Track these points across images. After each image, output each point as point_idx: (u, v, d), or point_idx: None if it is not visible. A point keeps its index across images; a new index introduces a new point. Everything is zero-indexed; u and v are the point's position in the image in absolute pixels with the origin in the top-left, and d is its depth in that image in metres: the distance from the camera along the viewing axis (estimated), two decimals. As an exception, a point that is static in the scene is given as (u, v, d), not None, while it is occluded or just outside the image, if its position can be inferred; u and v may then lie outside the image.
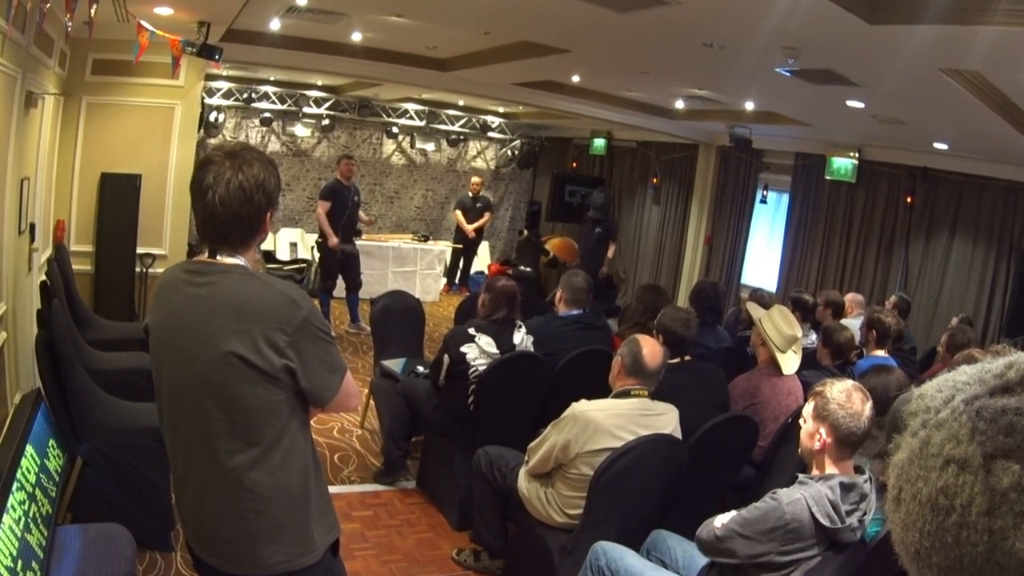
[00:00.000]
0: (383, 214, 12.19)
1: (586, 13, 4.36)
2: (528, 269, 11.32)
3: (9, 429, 2.88)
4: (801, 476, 2.64)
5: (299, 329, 1.87)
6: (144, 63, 5.37)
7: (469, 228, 11.17)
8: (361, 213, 8.56)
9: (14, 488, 2.53)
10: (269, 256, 10.54)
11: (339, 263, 8.11)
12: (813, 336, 5.45)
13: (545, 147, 13.51)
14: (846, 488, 2.51)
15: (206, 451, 1.90)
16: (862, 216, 8.21)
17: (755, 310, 4.62)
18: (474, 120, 12.61)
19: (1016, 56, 3.60)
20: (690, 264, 10.62)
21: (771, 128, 7.98)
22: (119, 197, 5.87)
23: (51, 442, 3.18)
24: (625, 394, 3.42)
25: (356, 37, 6.36)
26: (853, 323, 5.65)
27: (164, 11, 5.18)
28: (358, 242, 8.57)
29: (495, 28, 5.52)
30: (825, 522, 2.45)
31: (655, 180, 11.22)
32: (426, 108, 12.03)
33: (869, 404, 2.58)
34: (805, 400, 4.20)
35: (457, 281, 11.60)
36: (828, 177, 8.33)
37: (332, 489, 2.11)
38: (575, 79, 7.49)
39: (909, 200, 7.60)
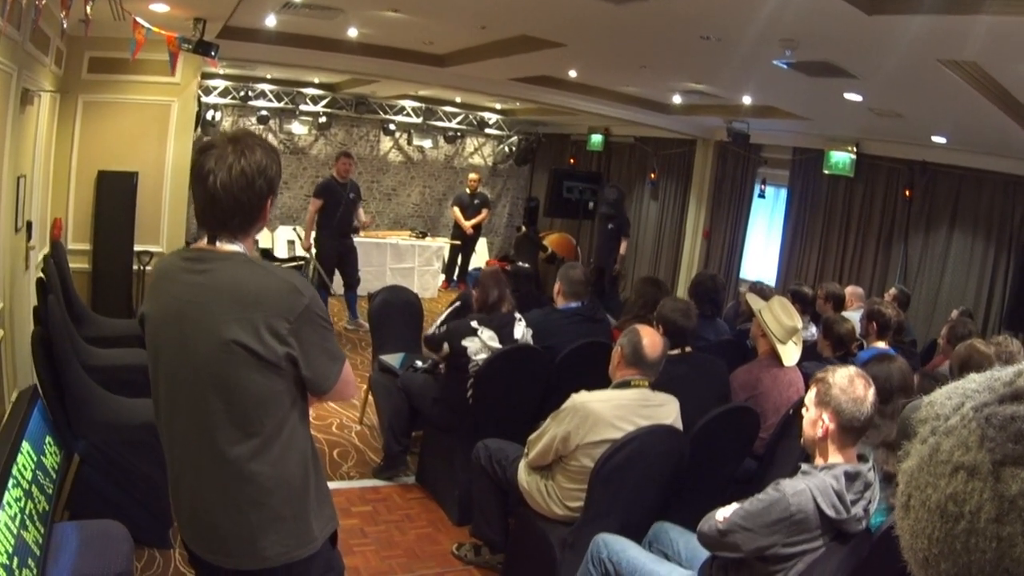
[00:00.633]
0: (381, 211, 12.19)
1: (583, 5, 4.35)
2: (526, 265, 11.29)
3: (5, 426, 2.87)
4: (804, 466, 2.60)
5: (301, 317, 1.85)
6: (140, 60, 5.36)
7: (467, 224, 11.15)
8: (360, 212, 8.55)
9: (10, 485, 2.51)
10: (267, 254, 10.51)
11: (335, 260, 8.10)
12: (813, 328, 5.44)
13: (543, 143, 13.50)
14: (850, 477, 2.47)
15: (205, 442, 1.87)
16: (861, 210, 8.20)
17: (755, 301, 4.60)
18: (471, 116, 12.60)
19: (1013, 46, 3.60)
20: (688, 258, 10.62)
21: (769, 123, 7.97)
22: (116, 195, 5.87)
23: (48, 439, 3.16)
24: (625, 384, 3.40)
25: (352, 33, 6.35)
26: (853, 316, 5.65)
27: (160, 8, 5.16)
28: (356, 239, 8.56)
29: (492, 21, 5.51)
30: (831, 513, 2.42)
31: (653, 175, 11.21)
32: (423, 105, 12.02)
33: (872, 390, 2.54)
34: (807, 389, 4.23)
35: (455, 277, 11.58)
36: (826, 171, 8.31)
37: (331, 485, 2.09)
38: (572, 74, 7.49)
39: (908, 194, 7.59)
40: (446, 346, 4.43)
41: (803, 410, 2.66)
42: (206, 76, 8.96)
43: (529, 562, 3.74)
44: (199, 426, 1.88)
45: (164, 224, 6.29)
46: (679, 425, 3.47)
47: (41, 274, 4.40)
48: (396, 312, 5.82)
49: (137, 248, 6.08)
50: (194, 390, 1.86)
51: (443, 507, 4.60)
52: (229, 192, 1.82)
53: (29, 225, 4.51)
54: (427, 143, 12.47)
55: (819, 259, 8.66)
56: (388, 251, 10.38)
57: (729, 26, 4.40)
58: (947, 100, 5.03)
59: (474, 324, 4.39)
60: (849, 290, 6.52)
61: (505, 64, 6.76)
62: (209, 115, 10.08)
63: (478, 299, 4.57)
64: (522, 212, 13.35)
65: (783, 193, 9.31)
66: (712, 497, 3.92)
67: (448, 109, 12.29)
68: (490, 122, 12.84)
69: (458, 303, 5.09)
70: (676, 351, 4.02)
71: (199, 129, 9.40)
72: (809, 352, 4.68)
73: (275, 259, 10.54)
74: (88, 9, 3.88)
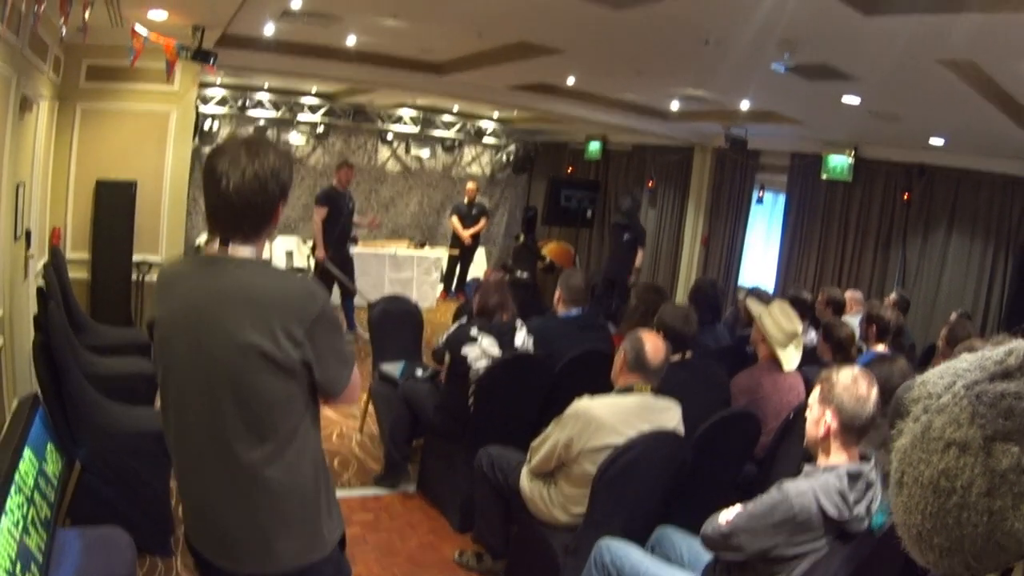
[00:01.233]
0: (379, 221, 12.17)
1: (581, 11, 4.36)
2: (525, 274, 11.29)
3: (7, 433, 2.84)
4: (807, 466, 2.60)
5: (316, 321, 1.86)
6: (139, 68, 5.37)
7: (465, 234, 11.16)
8: (359, 217, 8.53)
9: (12, 491, 2.50)
10: (265, 265, 10.49)
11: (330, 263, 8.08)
12: (812, 333, 5.45)
13: (540, 152, 13.51)
14: (853, 477, 2.48)
15: (218, 447, 1.86)
16: (859, 214, 8.22)
17: (755, 306, 4.60)
18: (469, 126, 12.61)
19: (1010, 44, 3.61)
20: (687, 265, 10.64)
21: (767, 128, 7.99)
22: (114, 204, 5.85)
23: (49, 446, 3.14)
24: (628, 390, 3.40)
25: (351, 41, 6.36)
26: (853, 320, 5.65)
27: (158, 15, 5.18)
28: (354, 249, 8.54)
29: (489, 28, 5.51)
30: (834, 513, 2.42)
31: (651, 183, 11.22)
32: (421, 114, 12.03)
33: (875, 390, 2.54)
34: (808, 391, 4.21)
35: (454, 288, 11.57)
36: (824, 176, 8.33)
37: None
38: (570, 81, 7.50)
39: (906, 197, 7.60)
40: (447, 356, 4.44)
41: (807, 410, 2.66)
42: (203, 85, 8.97)
43: (532, 568, 3.75)
44: (212, 430, 1.87)
45: (163, 234, 6.27)
46: (681, 430, 3.47)
47: (41, 283, 4.39)
48: (396, 321, 5.82)
49: (136, 258, 6.06)
50: (208, 394, 1.85)
51: (445, 514, 4.59)
52: (242, 195, 1.82)
53: (28, 234, 4.50)
54: (425, 153, 12.48)
55: (818, 263, 8.67)
56: (387, 261, 10.37)
57: (727, 30, 4.41)
58: (945, 100, 5.04)
59: (473, 332, 4.40)
60: (848, 294, 6.53)
61: (503, 71, 6.77)
62: (207, 125, 10.08)
63: (478, 304, 4.58)
64: (520, 221, 13.33)
65: (781, 198, 9.33)
66: (714, 501, 3.93)
67: (446, 118, 12.30)
68: (487, 131, 12.85)
69: (464, 318, 5.11)
70: (676, 357, 4.02)
71: (197, 139, 9.40)
72: (809, 357, 4.69)
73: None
74: (86, 15, 3.89)
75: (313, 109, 11.28)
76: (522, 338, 4.51)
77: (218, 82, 9.79)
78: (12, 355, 4.15)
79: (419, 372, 5.10)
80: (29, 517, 2.57)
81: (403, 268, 10.53)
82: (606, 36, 5.07)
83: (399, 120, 12.02)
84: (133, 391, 4.35)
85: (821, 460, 2.59)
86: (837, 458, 2.54)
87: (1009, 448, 0.70)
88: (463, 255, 11.44)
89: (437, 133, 12.45)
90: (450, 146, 12.67)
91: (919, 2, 3.31)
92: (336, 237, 7.98)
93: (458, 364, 4.36)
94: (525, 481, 3.63)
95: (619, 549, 3.04)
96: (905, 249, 7.68)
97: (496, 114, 12.08)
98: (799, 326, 4.40)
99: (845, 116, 6.39)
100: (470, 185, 11.44)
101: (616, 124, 9.44)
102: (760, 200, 9.55)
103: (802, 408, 3.90)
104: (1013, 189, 6.78)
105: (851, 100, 5.70)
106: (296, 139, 11.29)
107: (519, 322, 4.59)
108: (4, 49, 3.70)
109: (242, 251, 1.90)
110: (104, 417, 3.70)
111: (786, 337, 4.27)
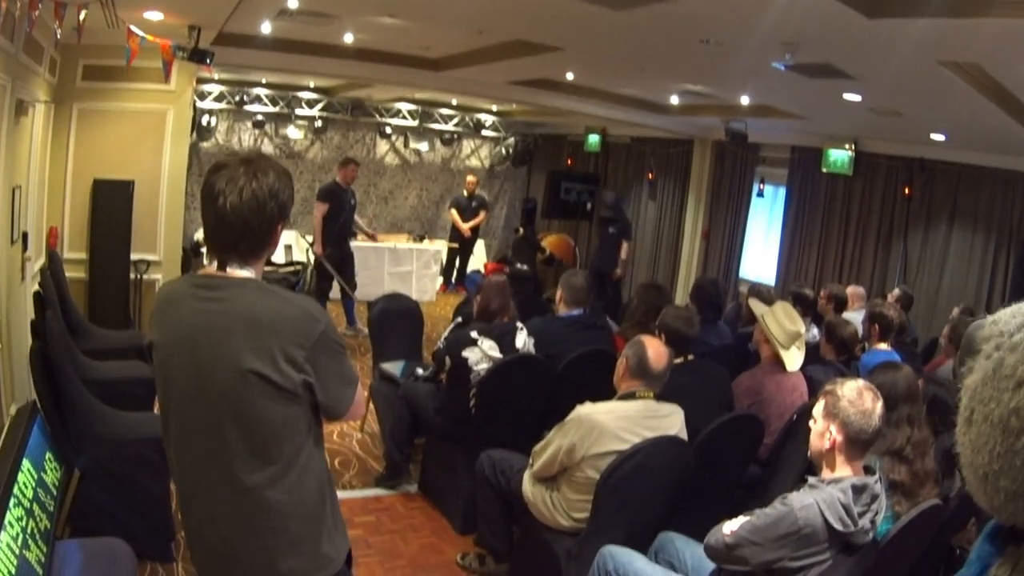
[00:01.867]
0: (378, 214, 12.16)
1: (581, 11, 4.32)
2: (525, 267, 11.28)
3: (5, 443, 2.84)
4: (811, 479, 2.61)
5: (317, 344, 1.83)
6: (135, 68, 5.33)
7: (465, 227, 11.17)
8: (360, 221, 8.51)
9: (11, 504, 2.49)
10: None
11: (336, 265, 8.05)
12: (815, 330, 5.44)
13: (539, 144, 13.50)
14: (857, 490, 2.48)
15: (221, 472, 1.84)
16: (860, 208, 8.19)
17: (757, 307, 4.60)
18: (468, 119, 12.59)
19: (1015, 48, 3.58)
20: (687, 258, 10.61)
21: (767, 122, 7.95)
22: (112, 203, 5.83)
23: (48, 455, 3.13)
24: (630, 396, 3.40)
25: (348, 38, 6.31)
26: (855, 316, 5.64)
27: (154, 16, 5.14)
28: (353, 243, 8.52)
29: (489, 27, 5.48)
30: (838, 526, 2.43)
31: (651, 175, 11.19)
32: (419, 108, 12.00)
33: (880, 404, 2.55)
34: (811, 396, 4.21)
35: (454, 280, 11.60)
36: (825, 170, 8.30)
37: None
38: (569, 76, 7.46)
39: (907, 191, 7.57)
40: (448, 359, 4.42)
41: (810, 422, 2.67)
42: (201, 81, 8.92)
43: (535, 572, 3.74)
44: (214, 455, 1.84)
45: (161, 232, 6.25)
46: (684, 436, 3.47)
47: (38, 287, 4.37)
48: (396, 320, 5.81)
49: (134, 257, 6.05)
50: (209, 419, 1.83)
51: (446, 516, 4.60)
52: (239, 215, 1.78)
53: (25, 236, 4.47)
54: (423, 146, 12.45)
55: (819, 258, 8.64)
56: (386, 255, 10.36)
57: (729, 30, 4.38)
58: (947, 100, 5.01)
59: (474, 334, 4.39)
60: (850, 290, 6.52)
61: (502, 68, 6.73)
62: (204, 120, 10.03)
63: (479, 306, 4.57)
64: (520, 214, 13.32)
65: (782, 192, 9.30)
66: (717, 505, 3.91)
67: (444, 112, 12.27)
68: (486, 124, 12.82)
69: (459, 319, 5.09)
70: (679, 359, 4.01)
71: (195, 135, 9.36)
72: (811, 354, 4.68)
73: (272, 264, 10.51)
74: (81, 17, 3.85)
75: (311, 104, 11.24)
76: (523, 340, 4.50)
77: (216, 78, 9.73)
78: (10, 358, 4.13)
79: (420, 371, 5.08)
80: (29, 530, 2.56)
81: (402, 261, 10.53)
82: (605, 35, 5.03)
83: (398, 114, 11.98)
84: (132, 396, 4.34)
85: (826, 473, 2.60)
86: (842, 471, 2.55)
87: None
88: (463, 248, 11.47)
89: (436, 126, 12.43)
90: (449, 139, 12.64)
91: (923, 6, 3.28)
92: (337, 233, 7.95)
93: (459, 367, 4.35)
94: (527, 485, 3.62)
95: (622, 556, 3.03)
96: (906, 244, 7.66)
97: (495, 107, 12.05)
98: (802, 327, 4.39)
99: (846, 112, 6.36)
100: (470, 178, 11.46)
101: (615, 118, 9.41)
102: (760, 193, 9.53)
103: (806, 409, 3.91)
104: (1015, 186, 6.75)
105: (852, 97, 5.67)
106: (294, 133, 11.25)
107: (519, 324, 4.58)
108: (-1, 56, 3.67)
109: (242, 273, 1.86)
110: (103, 424, 3.69)
111: (789, 338, 4.26)
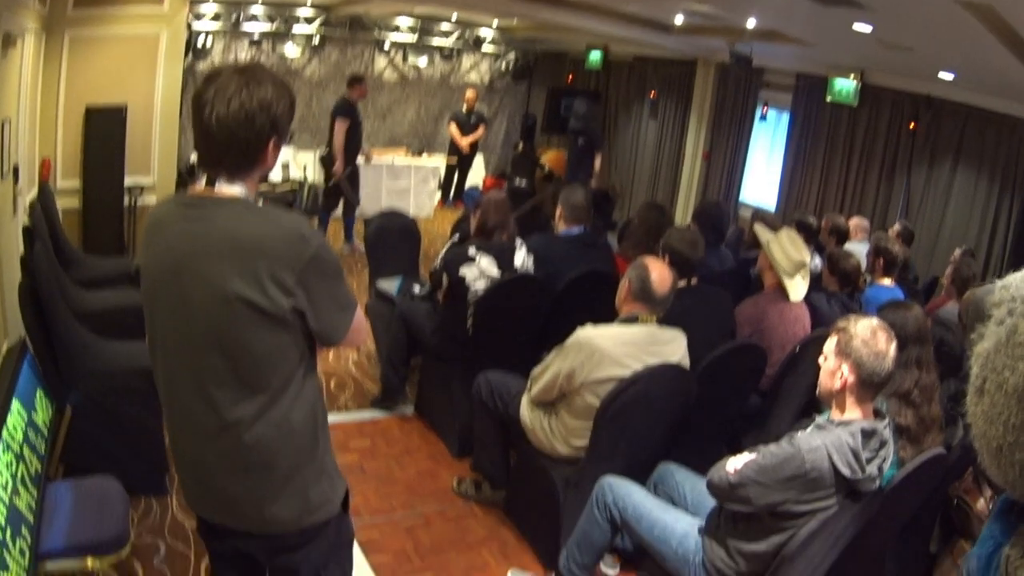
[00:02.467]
0: (376, 130, 11.96)
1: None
2: (523, 183, 11.20)
3: (-7, 386, 2.77)
4: (819, 419, 2.56)
5: (308, 266, 1.72)
6: (128, -9, 5.19)
7: (464, 142, 11.09)
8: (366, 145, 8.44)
9: (1, 450, 2.46)
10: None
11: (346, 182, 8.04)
12: (817, 259, 5.38)
13: (540, 61, 13.21)
14: (867, 434, 2.43)
15: (206, 403, 1.77)
16: (864, 139, 8.04)
17: (763, 233, 4.47)
18: (467, 34, 12.26)
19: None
20: (688, 179, 10.51)
21: (772, 47, 7.75)
22: (105, 130, 5.74)
23: (39, 394, 3.09)
24: (632, 320, 3.31)
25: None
26: (857, 247, 5.60)
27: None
28: None
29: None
30: (846, 471, 2.39)
31: (653, 94, 11.00)
32: (418, 23, 11.68)
33: (894, 344, 2.47)
34: (814, 326, 4.20)
35: (452, 196, 11.55)
36: (829, 98, 8.15)
37: (329, 418, 2.02)
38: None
39: (912, 127, 7.43)
40: (445, 278, 4.33)
41: (820, 358, 2.59)
42: (195, 1, 8.68)
43: (531, 499, 3.74)
44: (199, 385, 1.77)
45: (155, 156, 6.19)
46: (686, 362, 3.40)
47: (27, 221, 4.31)
48: (393, 237, 5.73)
49: (128, 182, 5.99)
50: (193, 348, 1.75)
51: (443, 439, 4.59)
52: (224, 127, 1.68)
53: (16, 169, 4.40)
54: (422, 61, 12.17)
55: (820, 187, 8.54)
56: (384, 171, 10.25)
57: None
58: (959, 38, 4.88)
59: (471, 251, 4.28)
60: (854, 221, 6.45)
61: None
62: (199, 41, 9.78)
63: (477, 223, 4.45)
64: (519, 130, 13.15)
65: (785, 117, 9.15)
66: (717, 435, 3.93)
67: (444, 27, 11.94)
68: (486, 39, 12.50)
69: (456, 235, 5.01)
70: (682, 283, 3.90)
71: (190, 56, 9.17)
72: (814, 283, 4.59)
73: (268, 182, 10.41)
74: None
75: (309, 20, 10.91)
76: (521, 258, 4.40)
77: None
78: (2, 296, 4.10)
79: (416, 289, 5.02)
80: (19, 476, 2.51)
81: (400, 177, 10.45)
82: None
83: (396, 29, 11.66)
84: (125, 325, 4.18)
85: (835, 414, 2.54)
86: (852, 413, 2.49)
87: None
88: (461, 163, 11.41)
89: (435, 42, 12.10)
90: (448, 54, 12.35)
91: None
92: (351, 150, 7.96)
93: (456, 285, 4.27)
94: (525, 410, 3.58)
95: (621, 489, 3.02)
96: (910, 179, 7.55)
97: (495, 22, 11.74)
98: (807, 256, 4.28)
99: (854, 42, 6.18)
100: (469, 93, 11.27)
101: (618, 35, 9.17)
102: (763, 117, 9.38)
103: (808, 340, 3.91)
104: (1022, 131, 6.60)
105: (862, 28, 5.51)
106: (292, 51, 10.97)
107: (519, 241, 4.48)
108: (-17, -11, 3.56)
109: (230, 190, 1.76)
110: (95, 358, 3.62)
111: (794, 267, 4.16)
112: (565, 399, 3.37)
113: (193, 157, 8.81)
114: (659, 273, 3.31)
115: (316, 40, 11.05)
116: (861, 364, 2.42)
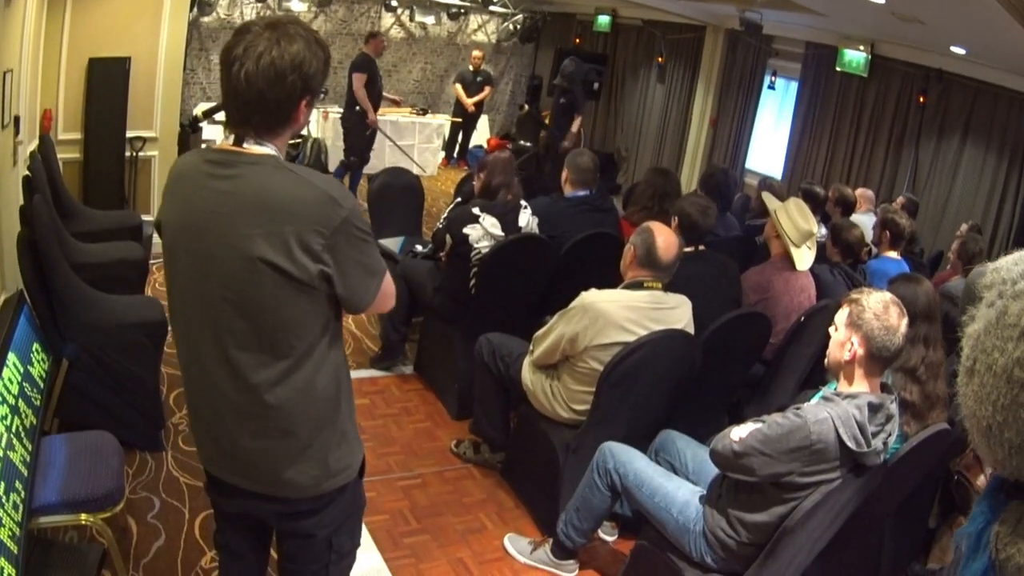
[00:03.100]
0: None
1: None
2: (528, 143, 11.14)
3: (-11, 337, 2.72)
4: (826, 391, 2.54)
5: (338, 230, 1.65)
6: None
7: (469, 102, 11.05)
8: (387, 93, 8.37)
9: (-4, 404, 2.42)
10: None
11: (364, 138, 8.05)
12: (823, 229, 5.35)
13: (548, 22, 13.09)
14: (874, 408, 2.41)
15: (228, 366, 1.72)
16: (872, 111, 7.95)
17: (771, 201, 4.42)
18: (476, -7, 12.15)
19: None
20: (694, 145, 10.44)
21: (782, 14, 7.66)
22: (108, 82, 5.64)
23: (35, 346, 3.06)
24: (637, 285, 3.27)
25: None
26: (863, 218, 5.57)
27: None
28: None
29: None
30: (852, 444, 2.37)
31: (660, 59, 10.90)
32: (426, -20, 11.57)
33: (905, 320, 2.44)
34: (819, 292, 4.17)
35: (456, 155, 11.53)
36: (839, 69, 8.05)
37: None
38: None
39: (922, 100, 7.35)
40: (448, 237, 4.29)
41: (831, 328, 2.56)
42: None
43: (530, 463, 3.72)
44: (221, 348, 1.72)
45: (158, 109, 6.10)
46: (691, 329, 3.36)
47: (27, 171, 4.26)
48: (396, 195, 5.67)
49: (130, 134, 5.93)
50: (215, 310, 1.69)
51: (442, 400, 4.59)
52: (253, 85, 1.60)
53: (17, 120, 4.34)
54: (429, 19, 12.06)
55: (828, 157, 8.46)
56: (388, 128, 10.19)
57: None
58: (973, 13, 4.80)
59: (476, 211, 4.23)
60: (860, 192, 6.41)
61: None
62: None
63: (481, 182, 4.40)
64: (525, 91, 13.06)
65: (793, 86, 9.06)
66: (719, 403, 3.92)
67: (452, -15, 11.83)
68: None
69: (459, 199, 4.97)
70: (690, 248, 3.87)
71: (195, 9, 9.07)
72: (818, 254, 4.53)
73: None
74: None
75: (316, -25, 10.80)
76: (526, 219, 4.36)
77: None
78: (1, 245, 4.06)
79: (419, 247, 4.97)
80: (14, 429, 2.49)
81: (404, 135, 10.37)
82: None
83: (404, -14, 11.55)
84: (123, 278, 4.26)
85: (842, 386, 2.52)
86: (859, 386, 2.47)
87: None
88: (466, 123, 11.39)
89: (442, 0, 11.98)
90: (455, 13, 12.25)
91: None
92: (372, 104, 7.95)
93: (459, 244, 4.22)
94: (527, 373, 3.55)
95: (623, 455, 3.00)
96: (918, 152, 7.48)
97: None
98: (815, 226, 4.23)
99: (867, 13, 6.09)
100: (475, 53, 11.22)
101: (627, -2, 9.06)
102: (772, 86, 9.27)
103: (814, 311, 3.90)
104: (1032, 110, 6.52)
105: (876, -1, 5.44)
106: (297, 7, 10.85)
107: (523, 202, 4.43)
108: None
109: (257, 148, 1.69)
110: (92, 311, 3.58)
111: (801, 236, 4.11)
112: (567, 363, 3.34)
113: (196, 111, 8.83)
114: (665, 239, 3.26)
115: (323, -5, 10.91)
116: (871, 337, 2.40)
